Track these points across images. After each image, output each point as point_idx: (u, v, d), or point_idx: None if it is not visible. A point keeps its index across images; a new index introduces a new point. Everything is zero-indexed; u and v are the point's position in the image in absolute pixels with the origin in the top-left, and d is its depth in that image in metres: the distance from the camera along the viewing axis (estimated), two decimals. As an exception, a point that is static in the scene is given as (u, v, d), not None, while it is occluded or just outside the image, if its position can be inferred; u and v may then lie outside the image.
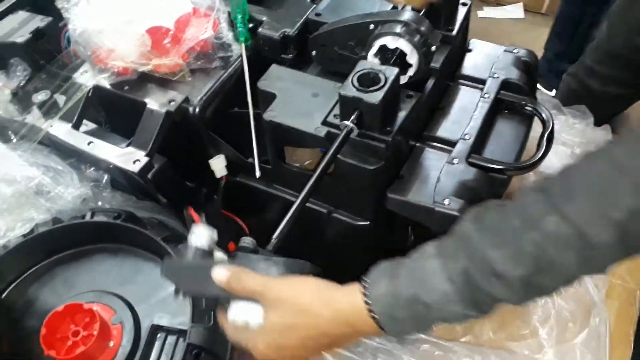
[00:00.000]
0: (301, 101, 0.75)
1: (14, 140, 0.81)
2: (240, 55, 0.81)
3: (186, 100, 0.78)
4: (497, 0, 2.00)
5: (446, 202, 0.70)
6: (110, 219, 0.75)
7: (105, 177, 0.81)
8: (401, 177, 0.75)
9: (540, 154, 0.76)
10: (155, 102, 0.77)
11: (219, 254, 0.57)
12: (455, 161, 0.74)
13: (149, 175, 0.75)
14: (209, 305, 0.66)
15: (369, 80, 0.66)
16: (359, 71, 0.66)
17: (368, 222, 0.79)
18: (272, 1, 0.91)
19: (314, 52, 0.82)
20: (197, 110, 0.78)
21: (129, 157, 0.75)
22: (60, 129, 0.80)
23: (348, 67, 0.68)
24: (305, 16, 0.85)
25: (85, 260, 0.77)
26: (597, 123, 1.13)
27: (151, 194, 0.80)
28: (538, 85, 1.51)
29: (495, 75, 0.85)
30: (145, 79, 0.80)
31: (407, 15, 0.71)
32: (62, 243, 0.77)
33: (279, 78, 0.78)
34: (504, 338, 0.85)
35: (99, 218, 0.75)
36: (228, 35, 0.82)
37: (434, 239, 0.51)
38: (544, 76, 1.58)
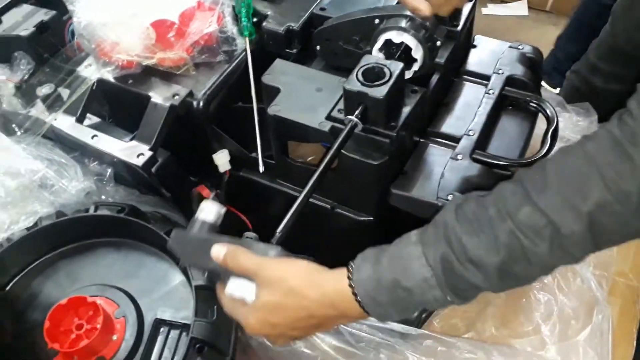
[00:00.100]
0: (305, 96, 0.75)
1: (18, 133, 0.81)
2: (245, 50, 0.81)
3: (190, 94, 0.78)
4: (501, -3, 2.00)
5: (450, 198, 0.70)
6: (114, 212, 0.75)
7: (109, 171, 0.81)
8: (405, 172, 0.75)
9: (544, 151, 0.76)
10: (159, 96, 0.77)
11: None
12: (459, 157, 0.74)
13: (153, 169, 0.75)
14: (211, 296, 0.66)
15: (373, 75, 0.65)
16: (363, 66, 0.66)
17: (371, 218, 0.79)
18: (277, -5, 0.91)
19: (318, 47, 0.82)
20: (201, 104, 0.78)
21: (133, 151, 0.75)
22: (64, 123, 0.80)
23: (352, 62, 0.68)
24: (309, 10, 0.85)
25: (88, 253, 0.77)
26: (601, 120, 1.12)
27: (155, 188, 0.80)
28: (542, 83, 1.50)
29: (500, 72, 0.84)
30: (149, 73, 0.80)
31: (413, 10, 0.71)
32: (66, 236, 0.77)
33: (283, 72, 0.78)
34: (506, 335, 0.85)
35: (103, 212, 0.75)
36: (232, 29, 0.82)
37: (417, 228, 0.53)
38: (549, 74, 1.58)
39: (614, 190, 0.44)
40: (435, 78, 0.78)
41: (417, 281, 0.50)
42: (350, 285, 0.52)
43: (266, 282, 0.55)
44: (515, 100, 0.83)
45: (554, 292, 0.88)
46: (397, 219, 0.81)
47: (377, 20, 0.73)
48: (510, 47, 0.88)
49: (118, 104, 0.86)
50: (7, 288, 0.74)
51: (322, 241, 0.83)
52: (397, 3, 0.79)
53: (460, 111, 0.82)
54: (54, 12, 0.90)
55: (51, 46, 0.89)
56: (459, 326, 0.85)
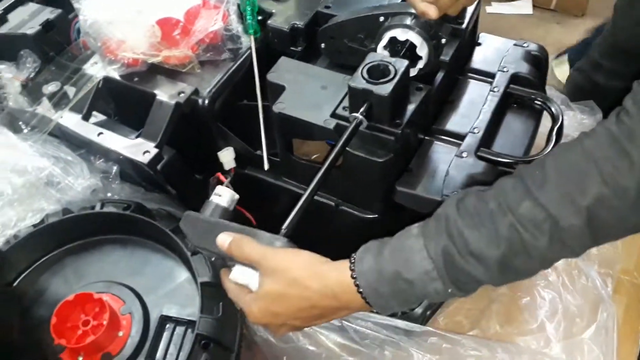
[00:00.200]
0: (310, 93, 0.75)
1: (25, 130, 0.81)
2: (250, 48, 0.81)
3: (195, 92, 0.78)
4: (505, -5, 1.99)
5: (449, 198, 0.70)
6: (120, 210, 0.75)
7: (115, 168, 0.81)
8: (410, 170, 0.75)
9: (549, 148, 0.75)
10: (165, 94, 0.77)
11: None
12: (464, 155, 0.74)
13: (159, 167, 0.75)
14: (216, 293, 0.67)
15: (378, 72, 0.66)
16: (368, 63, 0.66)
17: (376, 215, 0.79)
18: (282, -7, 0.91)
19: (323, 45, 0.82)
20: (206, 102, 0.78)
21: (139, 148, 0.75)
22: (70, 120, 0.81)
23: (357, 60, 0.68)
24: (315, 8, 0.85)
25: (94, 250, 0.78)
26: (605, 118, 1.12)
27: (160, 185, 0.80)
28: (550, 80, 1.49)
29: (505, 69, 0.84)
30: (154, 71, 0.80)
31: (418, 7, 0.71)
32: (72, 233, 0.77)
33: (288, 70, 0.78)
34: (511, 332, 0.85)
35: (109, 209, 0.76)
36: (237, 28, 0.82)
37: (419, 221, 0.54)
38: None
39: (612, 185, 0.45)
40: (440, 75, 0.78)
41: (419, 273, 0.50)
42: (352, 277, 0.53)
43: (269, 272, 0.55)
44: (520, 98, 0.83)
45: (559, 290, 0.88)
46: (401, 216, 0.81)
47: (382, 18, 0.73)
48: (515, 44, 0.88)
49: (124, 102, 0.86)
50: (14, 284, 0.75)
51: (326, 238, 0.83)
52: (403, 0, 0.79)
53: (465, 109, 0.81)
54: (59, 11, 0.90)
55: (57, 44, 0.90)
56: (464, 323, 0.85)
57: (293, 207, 0.60)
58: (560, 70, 1.56)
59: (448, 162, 0.74)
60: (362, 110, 0.65)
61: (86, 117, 0.81)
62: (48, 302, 0.73)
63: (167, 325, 0.71)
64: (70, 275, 0.76)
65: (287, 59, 0.80)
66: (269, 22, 0.85)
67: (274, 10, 0.86)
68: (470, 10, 0.83)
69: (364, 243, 0.84)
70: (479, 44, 0.90)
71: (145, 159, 0.74)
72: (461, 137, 0.77)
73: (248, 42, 0.82)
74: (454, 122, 0.80)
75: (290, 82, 0.76)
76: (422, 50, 0.71)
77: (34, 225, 0.75)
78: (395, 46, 0.71)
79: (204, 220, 0.62)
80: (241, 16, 0.82)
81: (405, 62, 0.66)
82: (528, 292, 0.87)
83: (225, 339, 0.67)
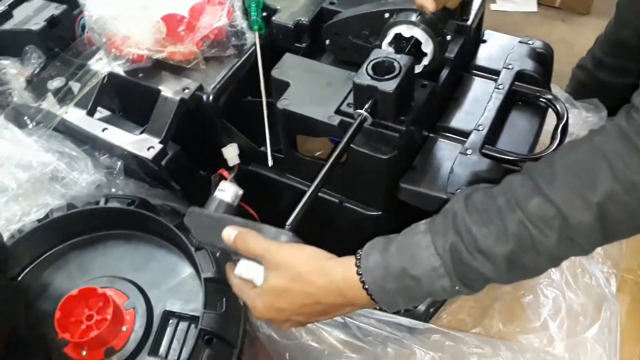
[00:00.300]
0: (314, 90, 0.75)
1: (30, 126, 0.82)
2: (254, 44, 0.81)
3: (200, 88, 0.78)
4: (510, -7, 1.99)
5: (456, 194, 0.69)
6: (124, 205, 0.76)
7: (119, 164, 0.82)
8: (414, 167, 0.75)
9: (554, 146, 0.75)
10: (170, 90, 0.77)
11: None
12: (468, 152, 0.74)
13: (163, 162, 0.76)
14: (220, 288, 0.67)
15: (383, 69, 0.65)
16: (373, 59, 0.66)
17: (380, 213, 0.79)
18: (286, -11, 0.91)
19: (327, 41, 0.82)
20: (211, 98, 0.78)
21: (143, 144, 0.75)
22: (75, 116, 0.81)
23: (361, 57, 0.68)
24: (319, 5, 0.85)
25: (99, 245, 0.78)
26: (609, 114, 1.12)
27: (164, 181, 0.80)
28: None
29: (510, 67, 0.84)
30: (159, 67, 0.81)
31: (423, 4, 0.71)
32: (77, 228, 0.77)
33: (292, 67, 0.78)
34: (514, 330, 0.85)
35: (113, 204, 0.76)
36: (242, 24, 0.82)
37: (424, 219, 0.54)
38: None
39: (623, 180, 0.45)
40: (445, 72, 0.77)
41: (426, 270, 0.50)
42: (358, 273, 0.53)
43: (274, 267, 0.55)
44: (525, 95, 0.83)
45: (562, 289, 0.87)
46: (405, 213, 0.81)
47: (386, 14, 0.72)
48: (520, 42, 0.88)
49: (128, 98, 0.86)
50: (19, 279, 0.75)
51: (330, 235, 0.83)
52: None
53: (469, 106, 0.81)
54: (64, 7, 0.90)
55: (62, 40, 0.90)
56: (467, 321, 0.85)
57: (297, 204, 0.60)
58: None
59: (452, 159, 0.74)
60: (366, 106, 0.65)
61: (91, 113, 0.81)
62: (52, 297, 0.73)
63: (171, 321, 0.71)
64: (75, 270, 0.76)
65: (292, 56, 0.80)
66: (273, 18, 0.85)
67: (278, 7, 0.86)
68: (475, 7, 0.82)
69: (368, 240, 0.84)
70: (484, 41, 0.90)
71: (149, 154, 0.74)
72: (466, 134, 0.77)
73: (252, 39, 0.82)
74: (459, 120, 0.79)
75: (294, 78, 0.76)
76: (427, 46, 0.71)
77: (39, 220, 0.76)
78: (400, 43, 0.71)
79: (208, 215, 0.62)
80: (246, 12, 0.82)
81: (410, 59, 0.66)
82: (531, 291, 0.87)
83: (228, 334, 0.68)
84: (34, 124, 0.81)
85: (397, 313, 0.81)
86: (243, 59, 0.82)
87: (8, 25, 0.89)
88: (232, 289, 0.60)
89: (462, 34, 0.79)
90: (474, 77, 0.86)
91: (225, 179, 0.70)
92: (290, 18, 0.84)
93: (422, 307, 0.84)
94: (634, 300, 0.92)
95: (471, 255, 0.48)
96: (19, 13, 0.91)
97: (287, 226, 0.59)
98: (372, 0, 0.78)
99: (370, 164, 0.71)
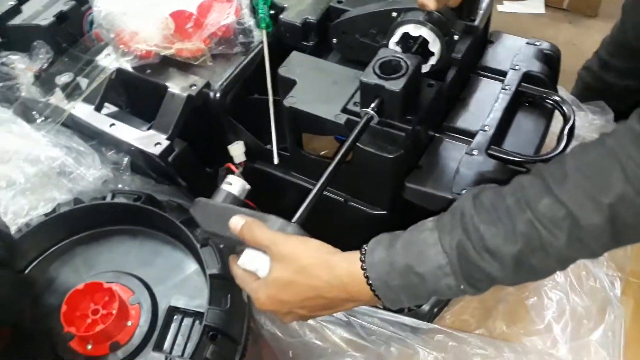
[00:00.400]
0: (321, 88, 0.75)
1: (38, 120, 0.82)
2: (261, 42, 0.81)
3: (207, 85, 0.78)
4: (517, -6, 1.98)
5: (464, 192, 0.70)
6: (131, 201, 0.76)
7: (126, 159, 0.82)
8: (420, 167, 0.75)
9: (560, 147, 0.75)
10: (177, 86, 0.78)
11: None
12: (474, 152, 0.74)
13: (170, 158, 0.76)
14: (225, 285, 0.67)
15: (390, 68, 0.65)
16: (380, 58, 0.66)
17: (385, 212, 0.79)
18: (294, -12, 0.91)
19: (334, 40, 0.82)
20: (218, 95, 0.79)
21: (150, 140, 0.76)
22: (82, 111, 0.81)
23: (369, 55, 0.68)
24: (327, 3, 0.85)
25: (105, 240, 0.79)
26: (616, 118, 1.12)
27: (170, 177, 0.81)
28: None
29: (517, 68, 0.84)
30: (167, 63, 0.81)
31: (431, 3, 0.71)
32: (83, 223, 0.78)
33: (299, 65, 0.78)
34: (517, 332, 0.85)
35: (120, 200, 0.76)
36: (250, 21, 0.83)
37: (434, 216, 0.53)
38: None
39: (635, 182, 0.44)
40: (452, 72, 0.77)
41: (431, 267, 0.50)
42: (362, 268, 0.52)
43: (279, 258, 0.55)
44: (531, 96, 0.83)
45: (567, 291, 0.87)
46: (410, 213, 0.81)
47: (394, 14, 0.72)
48: (527, 43, 0.88)
49: (136, 94, 0.87)
50: (26, 272, 0.75)
51: (334, 234, 0.83)
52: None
53: (476, 106, 0.81)
54: (73, 2, 0.91)
55: (70, 36, 0.91)
56: (470, 322, 0.85)
57: (302, 202, 0.60)
58: None
59: (458, 159, 0.74)
60: (373, 105, 0.65)
61: (98, 108, 0.82)
62: (58, 291, 0.73)
63: (175, 316, 0.71)
64: (81, 265, 0.77)
65: (299, 54, 0.80)
66: (281, 16, 0.85)
67: (286, 5, 0.86)
68: (483, 7, 0.82)
69: (372, 238, 0.85)
70: (492, 42, 0.90)
71: (156, 150, 0.75)
72: (472, 134, 0.77)
73: (260, 36, 0.82)
74: (465, 120, 0.79)
75: (301, 76, 0.76)
76: (435, 46, 0.71)
77: (46, 214, 0.76)
78: (407, 42, 0.71)
79: (215, 205, 0.62)
80: (254, 10, 0.83)
81: (418, 58, 0.66)
82: (535, 293, 0.87)
83: (232, 331, 0.68)
84: (42, 118, 0.82)
85: (400, 312, 0.81)
86: (250, 56, 0.83)
87: (17, 21, 0.90)
88: (235, 280, 0.60)
89: (469, 34, 0.78)
90: (481, 77, 0.86)
91: (233, 172, 0.70)
92: (297, 16, 0.84)
93: (425, 307, 0.84)
94: (639, 304, 0.91)
95: (478, 254, 0.48)
96: (28, 8, 0.92)
97: (292, 222, 0.59)
98: (380, -1, 0.78)
99: (376, 163, 0.71)
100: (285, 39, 0.86)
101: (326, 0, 0.86)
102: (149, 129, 0.78)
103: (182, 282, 0.74)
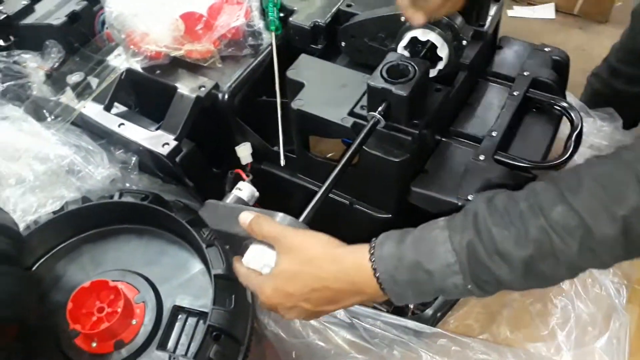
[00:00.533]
0: (329, 91, 0.75)
1: (49, 119, 0.83)
2: (270, 44, 0.82)
3: (216, 86, 0.79)
4: (528, -1, 1.98)
5: (470, 198, 0.70)
6: (138, 200, 0.76)
7: (134, 159, 0.83)
8: (426, 171, 0.75)
9: (568, 154, 0.75)
10: (186, 87, 0.78)
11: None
12: (481, 157, 0.74)
13: (177, 159, 0.77)
14: (229, 285, 0.67)
15: (398, 72, 0.66)
16: (388, 62, 0.66)
17: (390, 215, 0.79)
18: (304, -9, 0.92)
19: (343, 43, 0.82)
20: (226, 96, 0.79)
21: (159, 140, 0.76)
22: (92, 110, 0.82)
23: (377, 59, 0.68)
24: (336, 7, 0.86)
25: (111, 239, 0.79)
26: (626, 125, 1.11)
27: (178, 177, 0.81)
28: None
29: (525, 73, 0.84)
30: (176, 64, 0.82)
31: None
32: (91, 222, 0.79)
33: (307, 68, 0.79)
34: (521, 338, 0.84)
35: (127, 199, 0.77)
36: (259, 24, 0.83)
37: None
38: None
39: None
40: (460, 77, 0.77)
41: (440, 265, 0.50)
42: (370, 260, 0.52)
43: (286, 250, 0.55)
44: (539, 102, 0.82)
45: (572, 298, 0.87)
46: (415, 217, 0.81)
47: (403, 18, 0.73)
48: (536, 49, 0.88)
49: (145, 94, 0.87)
50: (33, 269, 0.76)
51: (339, 236, 0.83)
52: None
53: (483, 112, 0.81)
54: (85, 3, 0.92)
55: (82, 36, 0.92)
56: (474, 327, 0.84)
57: (307, 204, 0.60)
58: None
59: (464, 164, 0.74)
60: (380, 109, 0.66)
61: (108, 108, 0.82)
62: (65, 288, 0.74)
63: (180, 316, 0.72)
64: (87, 263, 0.77)
65: (307, 57, 0.81)
66: (290, 19, 0.86)
67: (295, 8, 0.87)
68: (492, 13, 0.82)
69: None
70: (500, 47, 0.90)
71: (164, 150, 0.75)
72: (478, 139, 0.77)
73: (269, 39, 0.83)
74: (472, 125, 0.79)
75: (309, 79, 0.77)
76: (443, 51, 0.71)
77: (54, 212, 0.77)
78: (415, 46, 0.71)
79: (224, 205, 0.63)
80: (263, 12, 0.83)
81: (425, 63, 0.66)
82: (540, 299, 0.86)
83: (236, 331, 0.68)
84: (53, 117, 0.83)
85: (404, 316, 0.81)
86: (259, 58, 0.83)
87: (29, 20, 0.91)
88: (238, 278, 0.60)
89: (478, 40, 0.79)
90: (489, 82, 0.86)
91: (244, 180, 0.71)
92: (307, 19, 0.85)
93: (429, 311, 0.84)
94: (644, 312, 0.91)
95: (488, 255, 0.48)
96: (41, 8, 0.93)
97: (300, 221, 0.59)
98: (389, 3, 0.78)
99: (382, 166, 0.71)
100: (294, 42, 0.86)
101: (335, 4, 0.86)
102: (157, 129, 0.79)
103: (187, 281, 0.74)
